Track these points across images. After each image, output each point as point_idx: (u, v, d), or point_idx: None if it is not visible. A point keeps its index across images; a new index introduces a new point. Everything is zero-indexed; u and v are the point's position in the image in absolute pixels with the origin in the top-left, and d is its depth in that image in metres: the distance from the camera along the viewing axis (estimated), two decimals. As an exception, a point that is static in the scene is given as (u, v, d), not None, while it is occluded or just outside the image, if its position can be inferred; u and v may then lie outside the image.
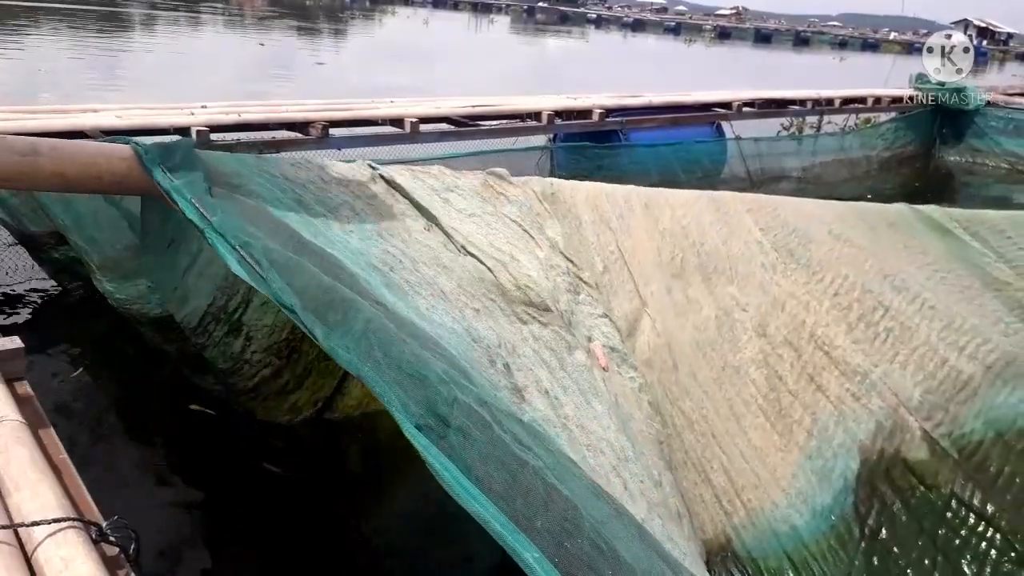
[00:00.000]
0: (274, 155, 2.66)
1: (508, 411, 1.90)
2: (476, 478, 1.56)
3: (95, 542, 1.34)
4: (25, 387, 1.87)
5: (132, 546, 1.39)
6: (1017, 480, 2.86)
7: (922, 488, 2.77)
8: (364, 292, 2.02)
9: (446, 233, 2.68)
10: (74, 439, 2.96)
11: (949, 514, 2.72)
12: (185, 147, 2.21)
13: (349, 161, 2.98)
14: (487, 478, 1.59)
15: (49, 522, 1.31)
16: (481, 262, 2.64)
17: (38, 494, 1.39)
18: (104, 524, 1.39)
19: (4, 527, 1.32)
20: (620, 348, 2.83)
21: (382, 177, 2.80)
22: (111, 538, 1.37)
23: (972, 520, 2.71)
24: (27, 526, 1.31)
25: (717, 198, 3.51)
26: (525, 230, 2.92)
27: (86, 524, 1.36)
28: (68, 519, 1.33)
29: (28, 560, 1.29)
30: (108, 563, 1.32)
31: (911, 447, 2.86)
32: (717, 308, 3.07)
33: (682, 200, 3.40)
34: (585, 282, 2.95)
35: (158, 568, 2.45)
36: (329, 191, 2.54)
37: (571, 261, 2.98)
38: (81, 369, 3.61)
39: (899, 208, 3.96)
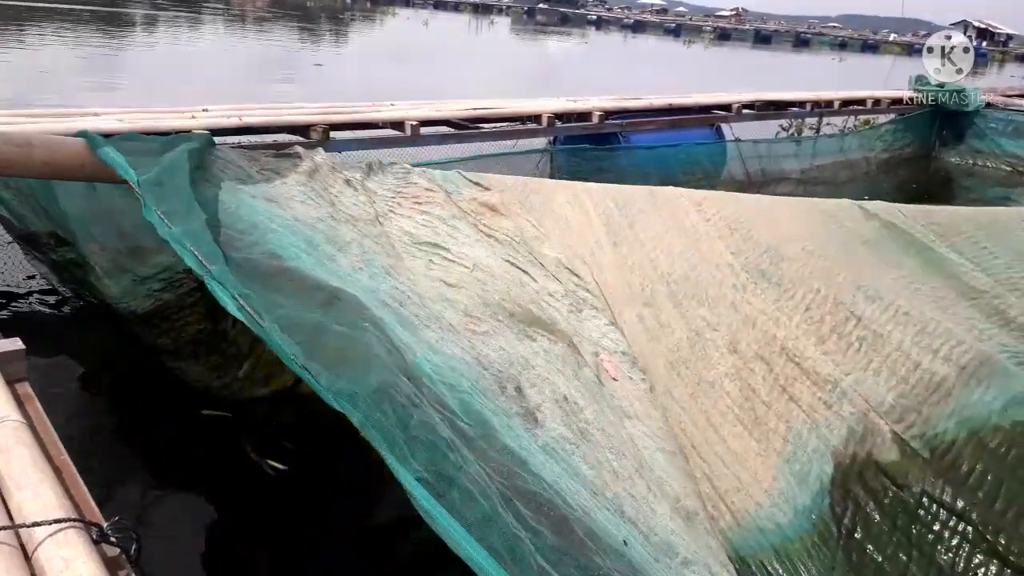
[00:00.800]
0: (287, 188, 2.64)
1: (515, 486, 1.90)
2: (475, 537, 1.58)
3: (96, 543, 1.35)
4: (26, 388, 1.87)
5: (133, 547, 1.39)
6: (989, 476, 2.94)
7: (894, 488, 2.85)
8: (381, 329, 2.01)
9: (453, 260, 2.70)
10: (75, 439, 2.97)
11: (921, 511, 2.79)
12: (183, 190, 2.15)
13: (357, 167, 2.98)
14: (484, 539, 1.61)
15: (50, 523, 1.31)
16: (491, 284, 2.68)
17: (39, 495, 1.40)
18: (105, 525, 1.39)
19: (5, 527, 1.33)
20: (629, 352, 2.88)
21: (386, 217, 2.82)
22: (112, 539, 1.38)
23: (944, 515, 2.79)
24: (28, 527, 1.31)
25: (688, 229, 3.55)
26: (519, 267, 2.97)
27: (87, 525, 1.37)
28: (69, 520, 1.33)
29: (29, 560, 1.30)
30: (109, 564, 1.33)
31: (882, 450, 2.96)
32: (689, 330, 3.15)
33: (652, 234, 3.46)
34: (590, 292, 2.97)
35: (159, 569, 2.46)
36: (339, 229, 2.55)
37: (576, 275, 3.01)
38: (83, 371, 3.62)
39: (868, 222, 4.01)
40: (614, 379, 2.71)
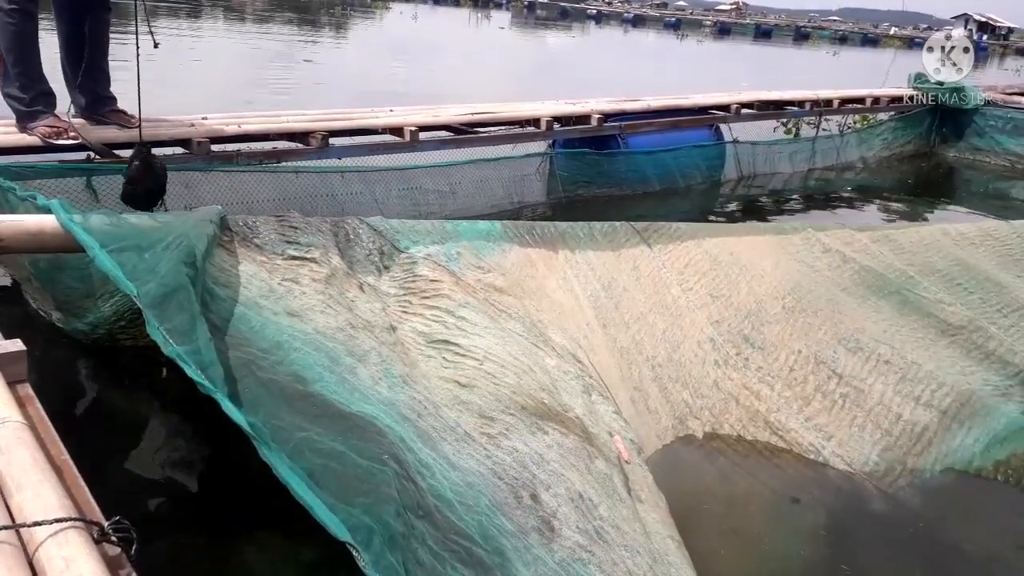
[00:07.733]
0: (307, 299, 2.65)
1: None
2: None
3: (97, 542, 1.37)
4: (27, 389, 1.90)
5: (134, 546, 1.41)
6: (978, 514, 3.17)
7: (886, 534, 2.99)
8: (401, 459, 2.06)
9: (464, 354, 2.75)
10: (76, 440, 2.99)
11: (915, 549, 2.96)
12: (188, 307, 2.10)
13: (370, 263, 3.05)
14: None
15: (51, 522, 1.33)
16: (501, 376, 2.72)
17: (40, 495, 1.42)
18: (106, 524, 1.42)
19: (6, 527, 1.35)
20: (636, 441, 2.97)
21: (400, 320, 2.89)
22: (113, 538, 1.40)
23: (938, 548, 2.97)
24: (29, 526, 1.34)
25: (670, 305, 3.64)
26: (532, 343, 3.03)
27: (88, 524, 1.39)
28: (70, 519, 1.35)
29: (30, 560, 1.32)
30: (110, 563, 1.35)
31: (870, 503, 3.13)
32: (673, 417, 3.27)
33: (636, 315, 3.56)
34: (593, 378, 3.07)
35: (160, 568, 2.48)
36: (357, 338, 2.60)
37: (579, 361, 3.09)
38: (84, 371, 3.65)
39: (845, 265, 4.18)
40: (627, 462, 2.77)
